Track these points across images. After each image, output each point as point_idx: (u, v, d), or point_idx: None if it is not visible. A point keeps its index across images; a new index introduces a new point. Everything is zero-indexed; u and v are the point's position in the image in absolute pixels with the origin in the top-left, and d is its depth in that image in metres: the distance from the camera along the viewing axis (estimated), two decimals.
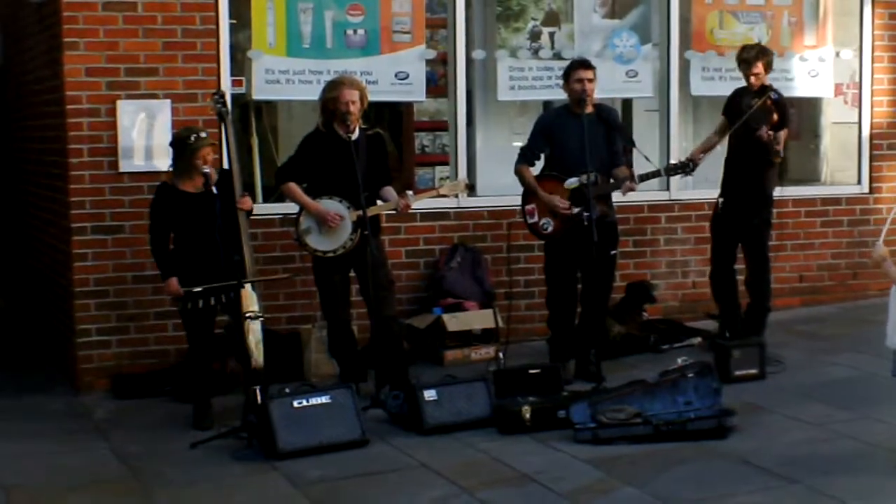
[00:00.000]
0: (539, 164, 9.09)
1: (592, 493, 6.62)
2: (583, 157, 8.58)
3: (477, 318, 9.75)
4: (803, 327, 10.56)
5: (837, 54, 11.45)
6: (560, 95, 9.26)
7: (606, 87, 10.13)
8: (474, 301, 9.88)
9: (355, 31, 9.91)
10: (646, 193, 10.34)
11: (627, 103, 11.31)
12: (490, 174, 10.49)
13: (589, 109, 8.81)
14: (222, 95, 8.39)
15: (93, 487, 7.06)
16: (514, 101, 10.71)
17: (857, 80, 11.64)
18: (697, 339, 9.93)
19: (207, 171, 7.87)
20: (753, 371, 8.80)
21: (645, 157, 9.16)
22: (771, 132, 9.12)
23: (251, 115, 10.34)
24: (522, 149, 9.05)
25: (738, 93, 9.63)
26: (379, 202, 8.53)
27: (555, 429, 7.60)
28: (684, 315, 10.66)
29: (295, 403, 7.45)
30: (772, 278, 9.84)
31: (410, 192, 8.68)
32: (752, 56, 9.38)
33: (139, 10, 9.16)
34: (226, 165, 8.50)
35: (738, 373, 8.71)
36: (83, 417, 8.58)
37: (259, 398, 7.53)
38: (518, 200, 9.09)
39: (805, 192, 11.41)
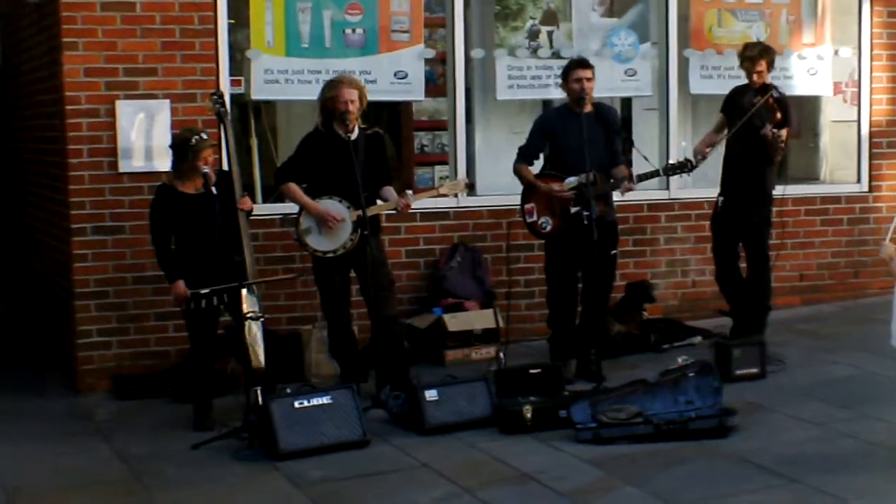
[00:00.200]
0: (538, 164, 9.09)
1: (594, 493, 6.62)
2: (582, 157, 8.58)
3: (477, 318, 9.74)
4: (804, 326, 10.56)
5: (836, 52, 11.45)
6: (559, 94, 9.26)
7: (605, 85, 10.15)
8: (475, 301, 9.88)
9: (354, 31, 9.91)
10: (645, 192, 10.35)
11: (626, 102, 11.31)
12: (489, 173, 10.49)
13: (588, 108, 8.81)
14: (221, 96, 8.38)
15: (94, 488, 7.06)
16: (513, 100, 10.69)
17: (856, 78, 11.65)
18: (697, 338, 9.93)
19: (207, 171, 7.86)
20: (754, 370, 8.80)
21: (644, 156, 9.16)
22: (775, 130, 9.12)
23: (250, 115, 10.34)
24: (521, 148, 9.04)
25: (738, 91, 9.63)
26: (379, 202, 8.53)
27: (556, 428, 7.60)
28: (684, 314, 10.66)
29: (296, 404, 7.45)
30: (772, 277, 9.84)
31: (410, 192, 8.68)
32: (755, 53, 9.39)
33: (138, 10, 9.15)
34: (225, 166, 8.50)
35: (738, 372, 8.71)
36: (84, 419, 8.57)
37: (260, 399, 7.52)
38: (517, 200, 9.09)
39: (805, 191, 11.40)
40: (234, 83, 9.57)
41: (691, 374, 7.68)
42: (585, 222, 8.55)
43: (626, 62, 10.73)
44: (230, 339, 8.19)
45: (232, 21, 9.60)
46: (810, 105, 12.05)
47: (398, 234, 9.89)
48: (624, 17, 10.94)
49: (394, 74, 10.01)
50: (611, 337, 9.54)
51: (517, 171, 8.99)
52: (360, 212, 8.22)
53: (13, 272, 12.50)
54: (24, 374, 10.08)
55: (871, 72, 11.56)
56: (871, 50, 11.55)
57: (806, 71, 11.28)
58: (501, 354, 8.94)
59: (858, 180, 11.64)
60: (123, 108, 9.12)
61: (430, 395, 7.84)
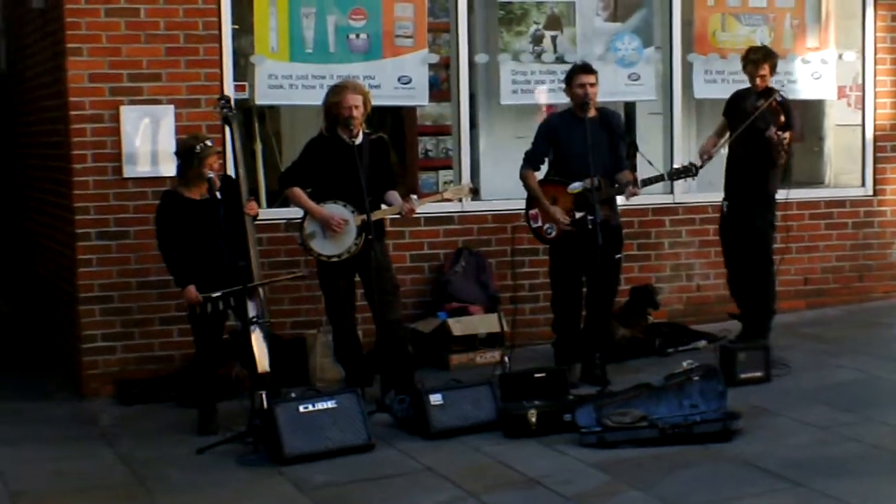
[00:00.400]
0: (544, 169, 9.10)
1: (598, 497, 6.62)
2: (586, 162, 8.58)
3: (482, 323, 9.74)
4: (808, 330, 10.55)
5: (840, 57, 11.45)
6: (563, 99, 9.27)
7: (609, 90, 10.14)
8: (479, 305, 9.88)
9: (358, 36, 9.92)
10: (650, 197, 10.34)
11: (630, 106, 11.30)
12: (494, 178, 10.48)
13: (592, 113, 8.82)
14: (228, 100, 8.39)
15: (98, 493, 7.07)
16: (517, 104, 10.69)
17: (859, 82, 11.64)
18: (702, 342, 9.93)
19: (212, 176, 7.87)
20: (759, 374, 8.79)
21: (648, 161, 9.16)
22: (779, 132, 9.13)
23: (254, 120, 10.33)
24: (527, 154, 9.04)
25: (740, 94, 9.66)
26: (383, 206, 8.53)
27: (560, 432, 7.60)
28: (689, 318, 10.66)
29: (301, 408, 7.44)
30: (776, 281, 9.84)
31: (415, 197, 8.68)
32: (759, 57, 9.43)
33: (142, 15, 9.16)
34: (231, 170, 8.50)
35: (743, 376, 8.70)
36: (88, 423, 8.58)
37: (265, 403, 7.52)
38: (522, 204, 9.10)
39: (809, 195, 11.40)
40: (238, 88, 9.58)
41: (696, 378, 7.68)
42: (590, 227, 8.56)
43: (629, 67, 10.73)
44: (235, 343, 8.20)
45: (236, 26, 9.61)
46: (814, 109, 12.04)
47: (403, 238, 9.90)
48: (628, 21, 10.94)
49: (398, 79, 10.01)
50: (615, 341, 9.54)
51: (523, 178, 9.00)
52: (364, 216, 8.22)
53: (18, 276, 12.52)
54: (28, 378, 10.09)
55: (875, 76, 11.57)
56: (875, 54, 11.56)
57: (810, 75, 11.28)
58: (506, 358, 8.95)
59: (863, 184, 11.64)
60: (128, 113, 9.13)
61: (435, 399, 7.84)
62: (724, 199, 9.70)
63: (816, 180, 12.06)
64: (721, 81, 10.76)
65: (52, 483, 7.25)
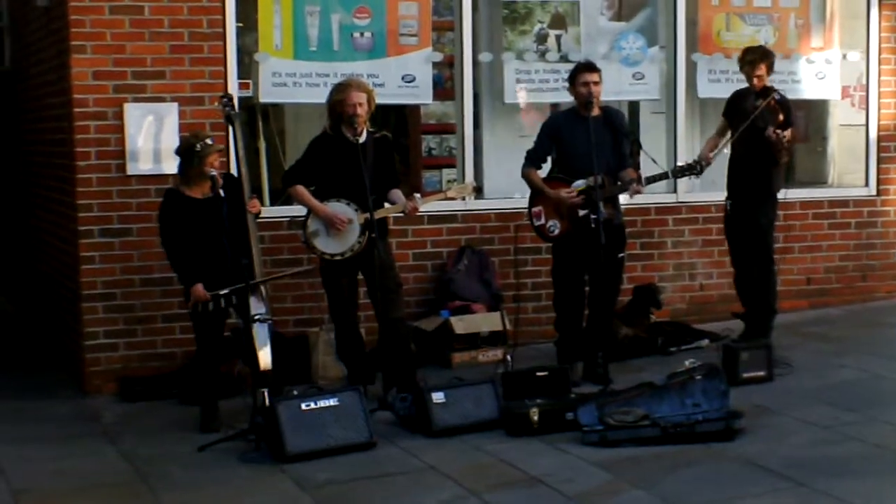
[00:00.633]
0: (546, 167, 9.09)
1: (600, 496, 6.62)
2: (590, 160, 8.58)
3: (484, 321, 9.74)
4: (811, 329, 10.55)
5: (844, 56, 11.45)
6: (567, 98, 9.27)
7: (613, 89, 10.16)
8: (482, 303, 9.88)
9: (362, 34, 9.92)
10: (653, 196, 10.34)
11: (634, 105, 11.30)
12: (497, 177, 10.49)
13: (595, 112, 8.81)
14: (230, 98, 8.40)
15: (101, 490, 7.07)
16: (521, 103, 10.69)
17: (864, 82, 11.64)
18: (705, 342, 9.93)
19: (214, 173, 7.88)
20: (761, 373, 8.79)
21: (652, 159, 9.16)
22: (778, 131, 9.15)
23: (258, 118, 10.34)
24: (529, 152, 9.04)
25: (739, 94, 9.68)
26: (387, 205, 8.54)
27: (562, 431, 7.60)
28: (691, 317, 10.66)
29: (303, 406, 7.45)
30: (778, 280, 9.85)
31: (418, 195, 8.69)
32: (755, 58, 9.46)
33: (146, 13, 9.17)
34: (234, 168, 8.51)
35: (745, 375, 8.70)
36: (91, 420, 8.58)
37: (267, 401, 7.53)
38: (525, 203, 9.10)
39: (812, 195, 11.41)
40: (242, 86, 9.59)
41: (698, 377, 7.68)
42: (593, 226, 8.55)
43: (633, 66, 10.73)
44: (237, 341, 8.21)
45: (240, 24, 9.61)
46: (818, 109, 12.05)
47: (406, 236, 9.90)
48: (632, 20, 10.95)
49: (402, 78, 10.01)
50: (618, 340, 9.54)
51: (525, 176, 9.00)
52: (367, 215, 8.23)
53: (21, 273, 12.53)
54: (30, 375, 10.09)
55: (880, 76, 11.57)
56: (880, 54, 11.56)
57: (814, 75, 11.28)
58: (508, 357, 8.96)
59: (866, 184, 11.64)
60: (131, 111, 9.13)
61: (437, 397, 7.84)
62: (728, 199, 9.71)
63: (820, 180, 12.06)
64: (725, 81, 10.75)
65: (54, 481, 7.25)
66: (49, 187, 10.47)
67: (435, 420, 7.76)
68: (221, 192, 7.81)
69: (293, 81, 9.73)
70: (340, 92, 8.39)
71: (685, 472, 6.92)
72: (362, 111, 8.32)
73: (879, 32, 11.53)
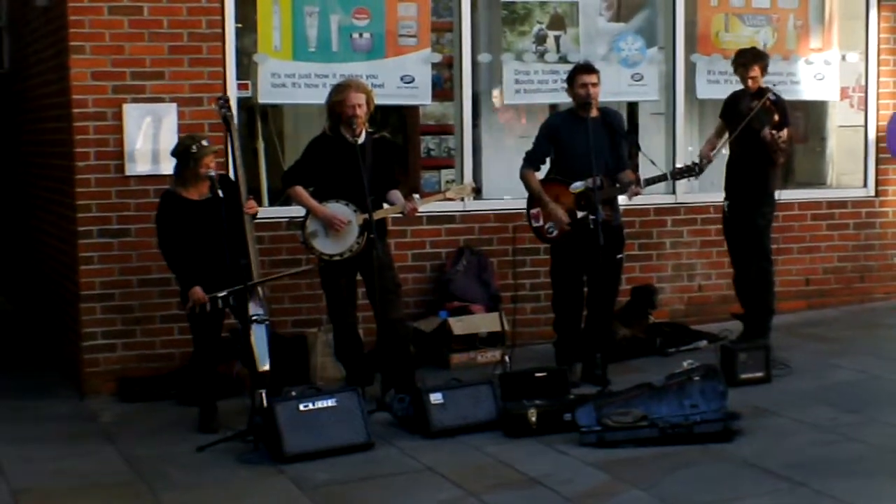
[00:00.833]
0: (544, 168, 9.10)
1: (598, 497, 6.62)
2: (588, 161, 8.59)
3: (483, 322, 9.75)
4: (809, 330, 10.55)
5: (843, 58, 11.46)
6: (566, 99, 9.27)
7: (612, 90, 10.16)
8: (480, 304, 9.88)
9: (361, 35, 9.92)
10: (652, 197, 10.34)
11: (633, 107, 11.30)
12: (496, 177, 10.49)
13: (594, 113, 8.82)
14: (227, 100, 8.40)
15: (99, 491, 7.07)
16: (520, 104, 10.69)
17: (862, 83, 11.65)
18: (703, 342, 9.94)
19: (212, 174, 7.89)
20: (759, 374, 8.79)
21: (651, 161, 9.17)
22: (774, 132, 9.17)
23: (257, 118, 10.33)
24: (528, 153, 9.04)
25: (736, 96, 9.71)
26: (385, 205, 8.54)
27: (561, 432, 7.60)
28: (690, 318, 10.66)
29: (301, 407, 7.45)
30: (776, 280, 9.86)
31: (417, 196, 8.69)
32: (747, 60, 9.51)
33: (145, 13, 9.17)
34: (231, 168, 8.51)
35: (744, 376, 8.70)
36: (89, 421, 8.59)
37: (265, 401, 7.53)
38: (524, 204, 9.10)
39: (811, 196, 11.42)
40: (241, 87, 9.59)
41: (697, 378, 7.69)
42: (591, 227, 8.56)
43: (632, 67, 10.73)
44: (235, 341, 8.21)
45: (239, 25, 9.61)
46: (817, 110, 12.05)
47: (404, 237, 9.90)
48: (631, 21, 10.95)
49: (401, 79, 10.02)
50: (616, 341, 9.55)
51: (524, 177, 9.00)
52: (366, 215, 8.23)
53: (19, 274, 12.53)
54: (29, 375, 10.10)
55: (879, 77, 11.58)
56: (879, 55, 11.56)
57: (813, 76, 11.28)
58: (507, 358, 8.95)
59: (865, 185, 11.65)
60: (130, 111, 9.13)
61: (436, 398, 7.84)
62: (725, 199, 9.73)
63: (818, 181, 12.06)
64: (724, 82, 10.73)
65: (53, 481, 7.25)
66: (48, 188, 10.47)
67: (433, 421, 7.76)
68: (220, 193, 7.82)
69: (292, 82, 9.73)
70: (339, 93, 8.39)
71: (683, 472, 6.92)
72: (361, 112, 8.33)
73: (878, 33, 11.54)
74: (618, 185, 8.83)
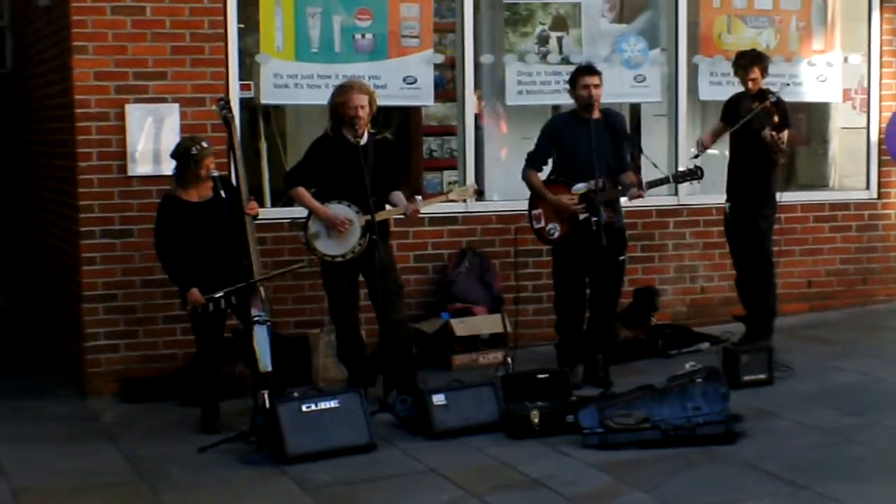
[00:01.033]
0: (546, 170, 9.09)
1: (601, 498, 6.62)
2: (590, 163, 8.58)
3: (485, 323, 9.75)
4: (812, 333, 10.55)
5: (846, 59, 11.45)
6: (568, 100, 9.26)
7: (614, 91, 10.16)
8: (482, 306, 9.88)
9: (363, 36, 9.92)
10: (654, 198, 10.30)
11: (635, 108, 11.30)
12: (498, 179, 10.49)
13: (596, 115, 8.81)
14: (227, 101, 8.40)
15: (101, 491, 7.07)
16: (523, 105, 10.69)
17: (865, 85, 11.65)
18: (705, 344, 9.94)
19: (216, 174, 7.91)
20: (762, 376, 8.79)
21: (653, 163, 9.16)
22: (774, 133, 9.18)
23: (259, 119, 10.34)
24: (529, 154, 9.05)
25: (737, 98, 9.74)
26: (388, 207, 8.54)
27: (563, 433, 7.60)
28: (692, 320, 10.66)
29: (303, 408, 7.45)
30: (778, 282, 9.86)
31: (419, 197, 8.69)
32: (747, 62, 9.55)
33: (147, 14, 9.17)
34: (232, 169, 8.51)
35: (746, 378, 8.70)
36: (91, 421, 8.58)
37: (267, 402, 7.53)
38: (526, 205, 9.09)
39: (813, 198, 11.41)
40: (243, 87, 9.59)
41: (699, 380, 7.68)
42: (594, 228, 8.55)
43: (635, 68, 10.73)
44: (237, 342, 8.21)
45: (242, 25, 9.61)
46: (819, 112, 12.05)
47: (407, 238, 9.90)
48: (633, 23, 10.95)
49: (403, 80, 10.02)
50: (618, 342, 9.54)
51: (526, 178, 9.00)
52: (368, 216, 8.23)
53: (21, 274, 12.53)
54: (31, 376, 10.10)
55: (881, 78, 11.58)
56: (881, 57, 11.56)
57: (815, 78, 11.28)
58: (509, 359, 8.95)
59: (867, 187, 11.64)
60: (133, 111, 9.13)
61: (438, 399, 7.84)
62: (727, 201, 9.74)
63: (821, 183, 12.06)
64: (726, 84, 10.72)
65: (54, 481, 7.25)
66: (50, 188, 10.47)
67: (435, 422, 7.76)
68: (223, 194, 7.82)
69: (294, 83, 9.73)
70: (342, 94, 8.39)
71: (686, 474, 6.92)
72: (364, 113, 8.33)
73: (881, 35, 11.54)
74: (620, 188, 8.82)
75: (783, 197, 9.83)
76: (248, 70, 9.72)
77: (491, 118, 10.78)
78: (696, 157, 9.43)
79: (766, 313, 9.66)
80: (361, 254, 8.33)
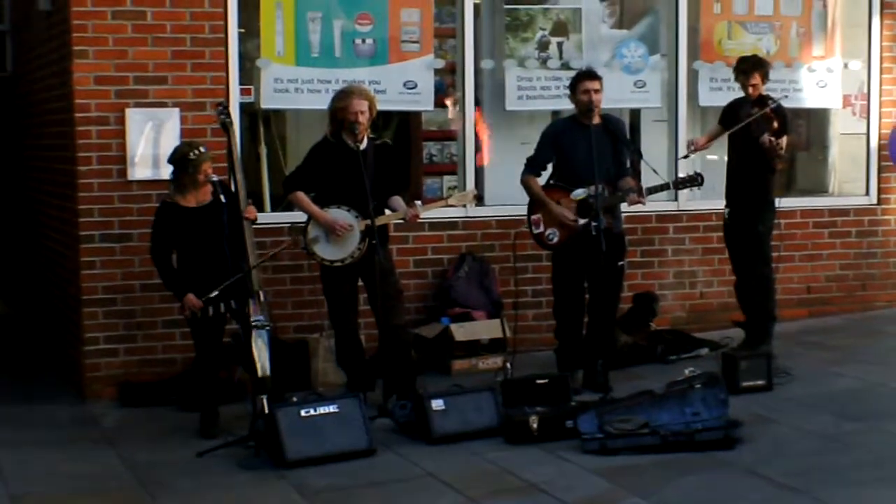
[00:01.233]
0: (545, 174, 9.10)
1: (600, 503, 6.63)
2: (590, 168, 8.59)
3: (484, 328, 9.75)
4: (811, 338, 10.54)
5: (846, 65, 11.45)
6: (568, 105, 9.27)
7: (614, 97, 10.16)
8: (482, 311, 9.88)
9: (364, 41, 9.92)
10: (654, 204, 10.28)
11: (635, 114, 11.30)
12: (498, 184, 10.49)
13: (596, 120, 8.82)
14: (226, 107, 8.41)
15: (100, 495, 7.07)
16: (523, 110, 10.69)
17: (865, 91, 11.64)
18: (705, 350, 9.93)
19: (215, 178, 7.92)
20: (761, 382, 8.78)
21: (653, 169, 9.16)
22: (772, 138, 9.19)
23: (259, 123, 10.34)
24: (529, 159, 9.05)
25: (737, 103, 9.74)
26: (387, 211, 8.54)
27: (562, 439, 7.59)
28: (692, 325, 10.65)
29: (302, 412, 7.45)
30: (777, 287, 9.86)
31: (419, 202, 8.69)
32: (747, 67, 9.56)
33: (148, 18, 9.17)
34: (231, 174, 8.51)
35: (745, 384, 8.68)
36: (90, 426, 8.58)
37: (266, 407, 7.52)
38: (525, 210, 9.09)
39: (813, 203, 11.41)
40: (243, 92, 9.59)
41: (698, 386, 7.68)
42: (593, 233, 8.55)
43: (635, 74, 10.73)
44: (236, 347, 8.21)
45: (242, 30, 9.61)
46: (819, 117, 12.05)
47: (406, 243, 9.90)
48: (634, 28, 10.95)
49: (403, 84, 10.02)
50: (618, 348, 9.53)
51: (525, 183, 9.00)
52: (368, 221, 8.23)
53: (20, 278, 12.52)
54: (30, 380, 10.10)
55: (881, 84, 11.57)
56: (881, 63, 11.56)
57: (815, 83, 11.27)
58: (508, 364, 8.94)
59: (867, 193, 11.63)
60: (133, 116, 9.13)
61: (437, 404, 7.84)
62: (726, 206, 9.75)
63: (820, 189, 12.05)
64: (727, 89, 10.70)
65: (53, 485, 7.25)
66: (50, 192, 10.47)
67: (434, 427, 7.76)
68: (222, 198, 7.83)
69: (295, 87, 9.73)
70: (342, 99, 8.39)
71: (685, 480, 6.92)
72: (364, 118, 8.34)
73: (881, 41, 11.53)
74: (619, 194, 8.82)
75: (783, 202, 9.84)
76: (249, 74, 9.72)
77: (491, 124, 10.78)
78: (686, 157, 9.47)
79: (765, 319, 9.66)
80: (361, 258, 8.33)
